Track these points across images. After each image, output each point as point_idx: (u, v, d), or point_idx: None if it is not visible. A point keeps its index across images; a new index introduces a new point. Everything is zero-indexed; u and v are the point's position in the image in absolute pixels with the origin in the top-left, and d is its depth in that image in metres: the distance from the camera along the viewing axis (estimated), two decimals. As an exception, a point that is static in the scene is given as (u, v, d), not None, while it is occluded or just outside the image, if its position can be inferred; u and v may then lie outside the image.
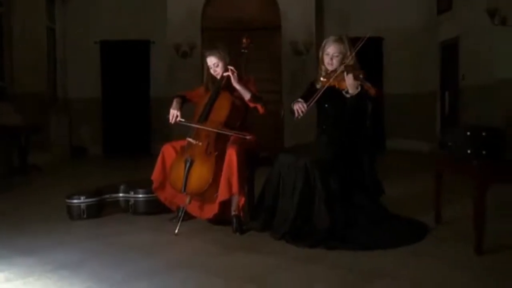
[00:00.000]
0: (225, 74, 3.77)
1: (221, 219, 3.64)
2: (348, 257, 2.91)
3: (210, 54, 3.89)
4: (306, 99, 3.50)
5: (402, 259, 2.85)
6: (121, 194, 4.15)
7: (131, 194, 4.11)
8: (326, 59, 3.52)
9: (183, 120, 3.83)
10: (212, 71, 3.92)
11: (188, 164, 3.52)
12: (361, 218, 3.27)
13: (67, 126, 10.20)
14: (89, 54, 10.29)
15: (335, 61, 3.49)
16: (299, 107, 3.45)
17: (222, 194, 3.45)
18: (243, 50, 3.96)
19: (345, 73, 3.28)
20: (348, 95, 3.30)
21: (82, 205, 3.95)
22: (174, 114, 3.83)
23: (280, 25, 9.99)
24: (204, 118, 3.70)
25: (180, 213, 3.78)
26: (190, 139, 3.64)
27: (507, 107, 6.90)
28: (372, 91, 3.17)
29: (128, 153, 10.03)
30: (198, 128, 3.66)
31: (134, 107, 10.48)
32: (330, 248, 3.04)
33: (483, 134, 2.76)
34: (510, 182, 2.82)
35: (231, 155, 3.44)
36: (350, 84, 3.24)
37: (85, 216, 3.95)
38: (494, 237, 3.04)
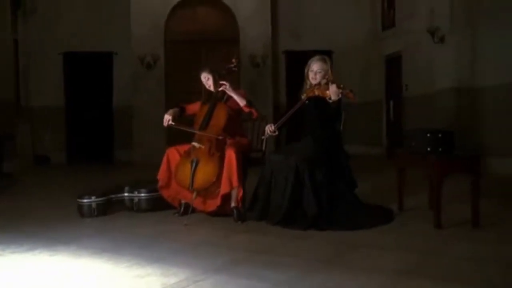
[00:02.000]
0: (219, 89, 4.38)
1: (221, 212, 4.25)
2: (336, 235, 3.60)
3: (202, 71, 4.55)
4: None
5: (378, 235, 3.57)
6: (126, 194, 4.66)
7: (135, 193, 4.64)
8: (311, 75, 4.23)
9: (173, 123, 4.41)
10: (205, 84, 4.52)
11: (194, 164, 4.11)
12: (342, 204, 3.96)
13: (30, 135, 10.41)
14: (52, 65, 10.58)
15: (319, 76, 4.20)
16: (268, 127, 4.17)
17: (224, 188, 4.06)
18: (234, 68, 4.60)
19: (329, 83, 3.99)
20: (331, 101, 4.00)
21: (93, 204, 4.43)
22: (167, 118, 4.44)
23: (239, 39, 10.68)
24: (205, 125, 4.30)
25: (182, 207, 4.37)
26: (194, 143, 4.24)
27: (444, 113, 7.89)
28: (351, 96, 3.92)
29: (91, 161, 10.36)
30: (200, 133, 4.26)
31: (97, 116, 10.84)
32: (320, 229, 3.72)
33: (439, 135, 3.54)
34: (460, 171, 3.61)
35: (231, 155, 4.07)
36: (333, 92, 3.94)
37: (95, 213, 4.43)
38: (449, 216, 3.82)
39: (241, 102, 4.39)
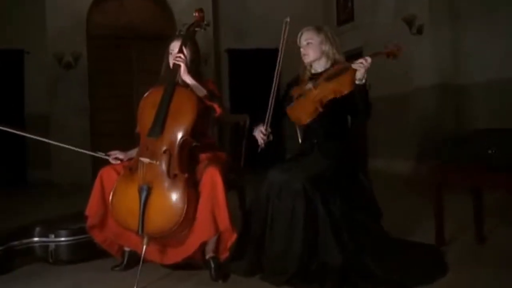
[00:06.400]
0: (175, 61, 2.84)
1: (185, 264, 2.78)
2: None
3: (177, 39, 2.99)
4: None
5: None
6: (36, 239, 3.07)
7: (51, 237, 3.06)
8: (302, 52, 2.95)
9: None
10: (170, 58, 2.96)
11: (144, 194, 2.59)
12: (368, 242, 2.65)
13: None
14: None
15: (311, 51, 2.93)
16: (259, 132, 2.85)
17: (205, 232, 2.59)
18: (196, 28, 3.03)
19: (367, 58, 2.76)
20: (362, 83, 2.77)
21: (-18, 259, 2.83)
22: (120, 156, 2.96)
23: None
24: (159, 129, 2.72)
25: (126, 258, 2.88)
26: (142, 158, 2.68)
27: (422, 114, 6.88)
28: (395, 50, 2.85)
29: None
30: (153, 141, 2.73)
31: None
32: (358, 290, 2.37)
33: (533, 138, 2.33)
34: None
35: (215, 177, 2.58)
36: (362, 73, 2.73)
37: (-13, 273, 2.83)
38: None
39: (200, 93, 2.84)
